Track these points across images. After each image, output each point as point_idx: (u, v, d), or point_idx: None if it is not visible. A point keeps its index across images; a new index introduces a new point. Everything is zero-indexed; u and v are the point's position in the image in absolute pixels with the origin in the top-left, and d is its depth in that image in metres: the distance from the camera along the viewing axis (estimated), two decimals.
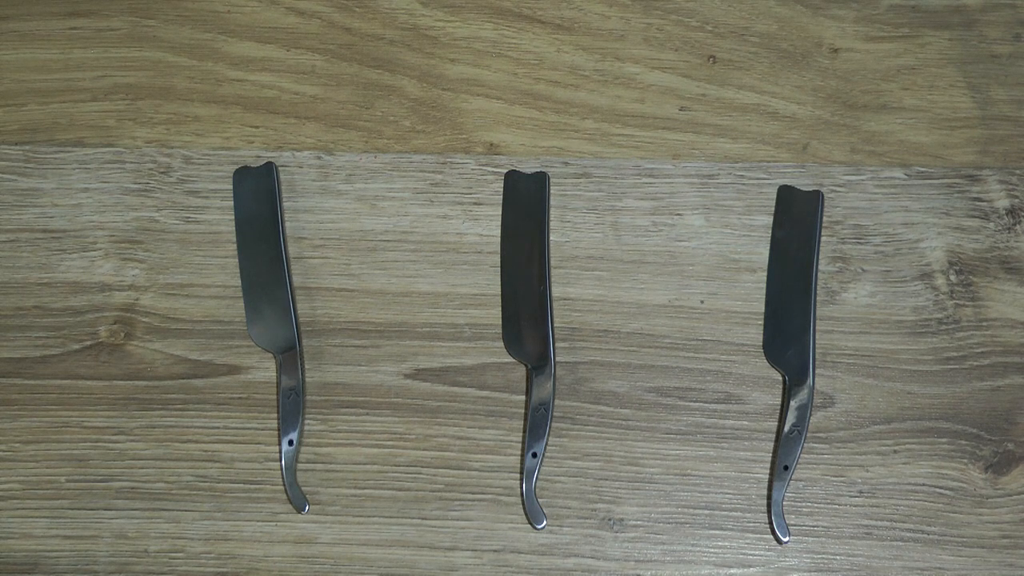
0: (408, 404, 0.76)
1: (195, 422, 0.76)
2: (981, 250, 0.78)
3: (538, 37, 0.82)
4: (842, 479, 0.75)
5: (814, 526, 0.74)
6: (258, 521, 0.75)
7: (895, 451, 0.75)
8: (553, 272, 0.78)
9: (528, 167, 0.80)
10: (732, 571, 0.74)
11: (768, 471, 0.75)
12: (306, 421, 0.76)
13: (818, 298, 0.77)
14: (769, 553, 0.74)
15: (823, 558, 0.74)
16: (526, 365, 0.76)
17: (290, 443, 0.75)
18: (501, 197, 0.79)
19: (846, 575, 0.74)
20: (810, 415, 0.75)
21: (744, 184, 0.79)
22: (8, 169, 0.80)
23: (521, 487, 0.75)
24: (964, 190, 0.79)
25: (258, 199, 0.78)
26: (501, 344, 0.77)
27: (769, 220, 0.78)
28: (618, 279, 0.78)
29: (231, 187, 0.79)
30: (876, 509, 0.74)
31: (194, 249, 0.79)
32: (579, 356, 0.77)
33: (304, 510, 0.75)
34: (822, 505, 0.75)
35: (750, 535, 0.75)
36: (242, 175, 0.79)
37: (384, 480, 0.75)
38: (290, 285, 0.77)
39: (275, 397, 0.76)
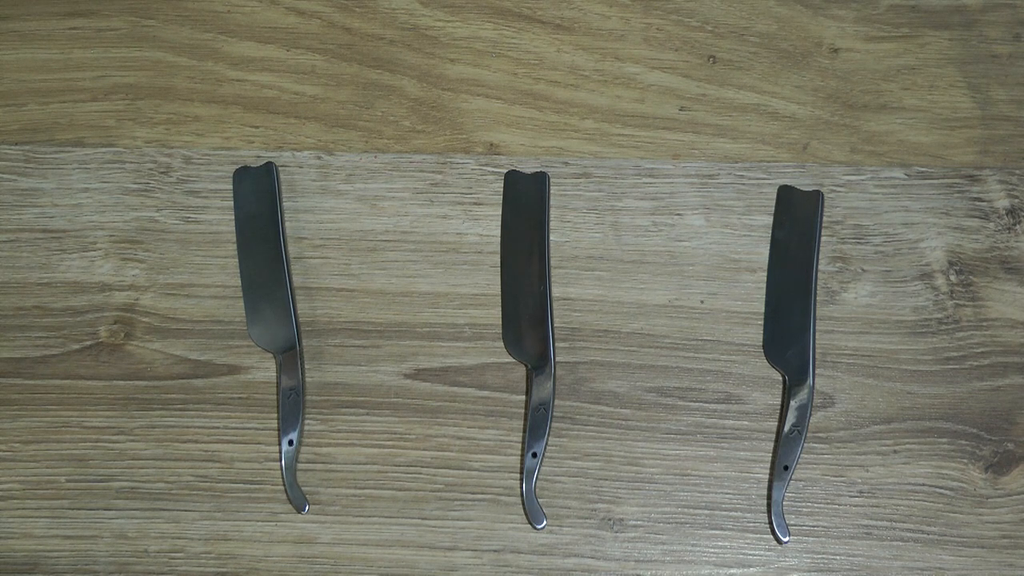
0: (408, 404, 0.76)
1: (195, 422, 0.76)
2: (981, 250, 0.78)
3: (538, 37, 0.82)
4: (842, 479, 0.75)
5: (814, 526, 0.74)
6: (258, 521, 0.75)
7: (895, 451, 0.75)
8: (553, 272, 0.78)
9: (528, 167, 0.80)
10: (732, 571, 0.74)
11: (768, 471, 0.75)
12: (306, 421, 0.76)
13: (818, 298, 0.77)
14: (769, 553, 0.74)
15: (823, 558, 0.74)
16: (526, 365, 0.76)
17: (290, 443, 0.75)
18: (501, 197, 0.79)
19: (846, 575, 0.74)
20: (810, 415, 0.75)
21: (744, 184, 0.79)
22: (8, 169, 0.80)
23: (521, 487, 0.75)
24: (964, 190, 0.79)
25: (258, 199, 0.78)
26: (501, 344, 0.77)
27: (769, 220, 0.78)
28: (618, 279, 0.78)
29: (231, 187, 0.79)
30: (876, 509, 0.74)
31: (194, 249, 0.79)
32: (579, 356, 0.77)
33: (304, 510, 0.75)
34: (822, 505, 0.75)
35: (750, 535, 0.75)
36: (242, 175, 0.79)
37: (384, 480, 0.75)
38: (290, 285, 0.77)
39: (275, 397, 0.76)
